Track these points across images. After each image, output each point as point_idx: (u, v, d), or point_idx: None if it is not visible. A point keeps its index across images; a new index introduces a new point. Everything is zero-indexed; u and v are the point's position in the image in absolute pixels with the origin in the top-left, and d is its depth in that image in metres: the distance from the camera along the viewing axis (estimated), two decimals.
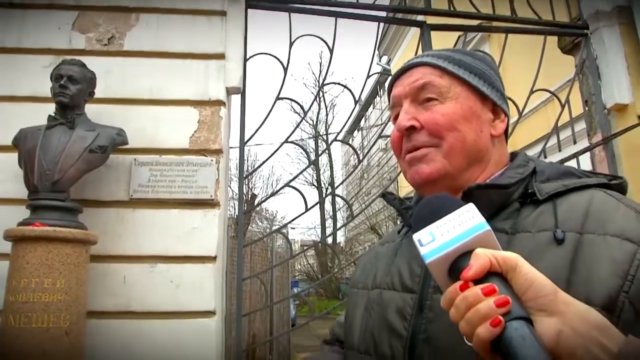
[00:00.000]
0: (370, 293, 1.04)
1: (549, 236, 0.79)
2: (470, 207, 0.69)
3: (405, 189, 15.00)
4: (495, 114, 0.98)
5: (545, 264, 0.70)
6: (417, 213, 0.76)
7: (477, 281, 0.61)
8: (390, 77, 1.06)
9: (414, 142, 0.94)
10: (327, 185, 26.85)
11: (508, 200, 0.88)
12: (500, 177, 0.94)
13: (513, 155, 1.01)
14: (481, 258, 0.62)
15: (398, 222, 1.17)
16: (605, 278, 0.71)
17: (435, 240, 0.67)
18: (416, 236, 0.69)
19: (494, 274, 0.62)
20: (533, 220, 0.84)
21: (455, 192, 0.92)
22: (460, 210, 0.69)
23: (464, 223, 0.67)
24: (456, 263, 0.66)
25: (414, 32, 4.38)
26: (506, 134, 1.01)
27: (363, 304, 1.05)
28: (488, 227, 0.66)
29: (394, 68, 16.62)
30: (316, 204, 3.42)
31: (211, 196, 2.80)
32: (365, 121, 27.86)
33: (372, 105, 26.30)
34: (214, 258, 2.74)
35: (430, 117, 0.93)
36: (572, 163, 3.57)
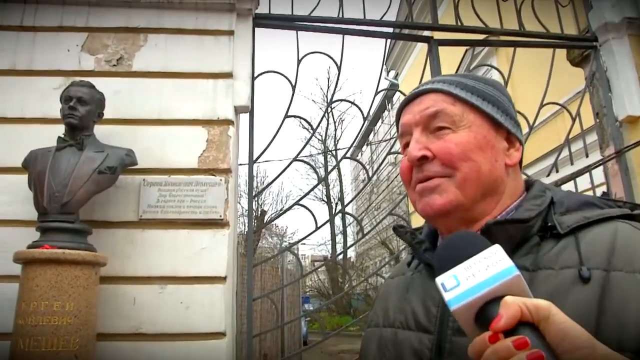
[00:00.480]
0: (383, 331, 0.99)
1: (574, 274, 0.75)
2: (497, 248, 0.65)
3: None
4: (509, 143, 0.94)
5: (571, 305, 0.67)
6: (439, 253, 0.73)
7: (508, 331, 0.58)
8: (399, 103, 1.02)
9: (425, 172, 0.90)
10: (336, 200, 26.80)
11: (527, 234, 0.83)
12: (517, 209, 0.90)
13: (527, 184, 0.97)
14: (511, 308, 0.58)
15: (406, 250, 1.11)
16: (637, 321, 0.67)
17: (460, 285, 0.63)
18: (439, 280, 0.66)
19: (524, 324, 0.58)
20: (555, 256, 0.79)
21: (468, 225, 0.89)
22: (486, 252, 0.65)
23: (490, 267, 0.63)
24: (484, 310, 0.62)
25: (421, 46, 4.38)
26: (520, 163, 0.97)
27: (375, 342, 1.01)
28: (517, 272, 0.62)
29: (402, 82, 16.66)
30: (326, 222, 3.39)
31: (220, 216, 2.79)
32: (374, 135, 27.87)
33: (380, 120, 26.32)
34: (224, 278, 2.72)
35: (444, 147, 0.89)
36: (585, 177, 3.53)
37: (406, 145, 0.96)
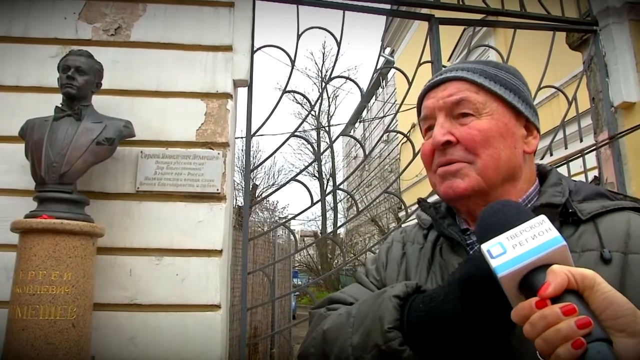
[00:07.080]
0: None
1: (596, 256, 0.81)
2: (543, 219, 0.67)
3: (406, 182, 14.98)
4: (528, 131, 0.99)
5: None
6: (483, 221, 0.76)
7: (553, 299, 0.60)
8: (423, 87, 1.05)
9: (448, 156, 0.94)
10: (328, 176, 26.78)
11: (552, 220, 0.88)
12: (540, 195, 0.94)
13: (541, 170, 1.02)
14: (559, 275, 0.61)
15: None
16: None
17: (507, 252, 0.65)
18: (485, 247, 0.68)
19: (570, 292, 0.61)
20: (576, 240, 0.85)
21: None
22: (532, 221, 0.67)
23: (538, 236, 0.65)
24: (529, 277, 0.64)
25: (419, 23, 4.35)
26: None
27: None
28: (564, 242, 0.65)
29: (398, 59, 16.53)
30: (319, 200, 3.41)
31: (217, 190, 2.79)
32: (367, 112, 27.74)
33: (374, 97, 26.18)
34: (220, 252, 2.74)
35: (467, 133, 0.93)
36: (579, 161, 3.56)
37: (428, 129, 1.00)
